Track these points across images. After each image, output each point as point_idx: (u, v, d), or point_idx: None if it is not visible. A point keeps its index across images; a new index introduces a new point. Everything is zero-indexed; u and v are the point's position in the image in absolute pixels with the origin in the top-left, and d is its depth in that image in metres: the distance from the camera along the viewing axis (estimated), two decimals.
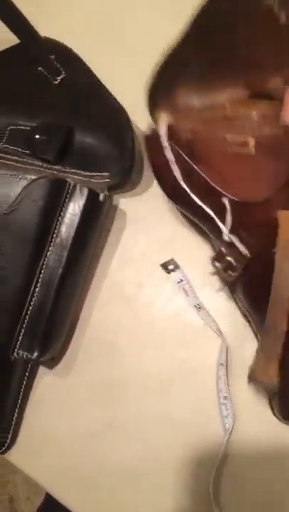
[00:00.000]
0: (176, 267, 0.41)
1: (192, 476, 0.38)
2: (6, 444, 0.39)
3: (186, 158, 0.36)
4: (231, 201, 0.35)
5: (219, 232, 0.36)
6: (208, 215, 0.36)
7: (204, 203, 0.36)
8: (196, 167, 0.36)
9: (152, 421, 0.39)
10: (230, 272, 0.36)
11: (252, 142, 0.38)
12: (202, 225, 0.38)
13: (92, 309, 0.41)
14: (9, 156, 0.41)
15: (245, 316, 0.39)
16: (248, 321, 0.39)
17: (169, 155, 0.37)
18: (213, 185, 0.36)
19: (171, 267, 0.41)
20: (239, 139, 0.38)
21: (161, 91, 0.37)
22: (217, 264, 0.37)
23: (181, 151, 0.37)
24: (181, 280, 0.41)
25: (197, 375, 0.39)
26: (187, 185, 0.37)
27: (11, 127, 0.42)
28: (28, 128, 0.41)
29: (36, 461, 0.40)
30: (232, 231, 0.36)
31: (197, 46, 0.36)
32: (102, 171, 0.41)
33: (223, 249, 0.36)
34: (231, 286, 0.39)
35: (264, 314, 0.33)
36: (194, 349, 0.40)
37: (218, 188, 0.36)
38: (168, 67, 0.36)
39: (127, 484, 0.38)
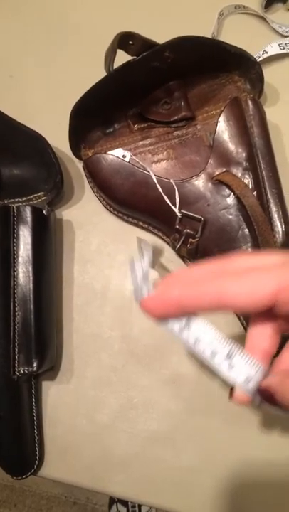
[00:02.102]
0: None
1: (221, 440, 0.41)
2: (36, 462, 0.41)
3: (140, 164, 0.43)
4: (176, 184, 0.42)
5: (170, 220, 0.42)
6: (159, 211, 0.42)
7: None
8: (146, 168, 0.43)
9: (163, 387, 0.42)
10: (191, 240, 0.41)
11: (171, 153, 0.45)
12: (151, 222, 0.44)
13: (71, 312, 0.45)
14: None
15: None
16: None
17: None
18: (159, 176, 0.42)
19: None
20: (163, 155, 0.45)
21: (77, 135, 0.45)
22: (177, 242, 0.42)
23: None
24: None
25: None
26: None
27: None
28: None
29: (70, 468, 0.42)
30: (180, 209, 0.41)
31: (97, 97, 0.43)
32: (37, 191, 0.45)
33: (177, 227, 0.42)
34: (192, 254, 0.43)
35: None
36: None
37: (163, 178, 0.42)
38: (78, 116, 0.43)
39: (161, 453, 0.41)
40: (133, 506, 1.02)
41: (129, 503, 1.02)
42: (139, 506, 1.03)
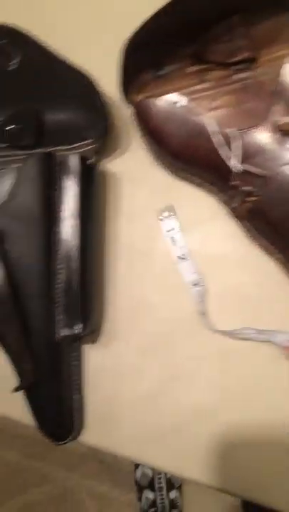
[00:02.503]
0: (171, 214, 0.41)
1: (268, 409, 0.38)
2: (76, 428, 0.39)
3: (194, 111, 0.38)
4: (235, 134, 0.37)
5: (226, 176, 0.37)
6: (215, 164, 0.38)
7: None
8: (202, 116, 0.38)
9: (210, 359, 0.39)
10: (248, 198, 0.37)
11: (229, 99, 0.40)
12: (205, 177, 0.40)
13: (115, 273, 0.42)
14: None
15: (263, 246, 0.40)
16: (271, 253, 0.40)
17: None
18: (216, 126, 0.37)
19: (165, 213, 0.41)
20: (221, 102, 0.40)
21: (127, 75, 0.40)
22: (233, 201, 0.38)
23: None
24: (172, 228, 0.41)
25: (236, 296, 0.40)
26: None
27: None
28: None
29: (109, 436, 0.40)
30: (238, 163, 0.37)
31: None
32: (82, 139, 0.41)
33: (234, 183, 0.37)
34: (249, 214, 0.39)
35: None
36: (228, 276, 0.40)
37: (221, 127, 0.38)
38: (131, 53, 0.39)
39: (205, 426, 0.39)
40: None
41: None
42: None
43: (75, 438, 0.40)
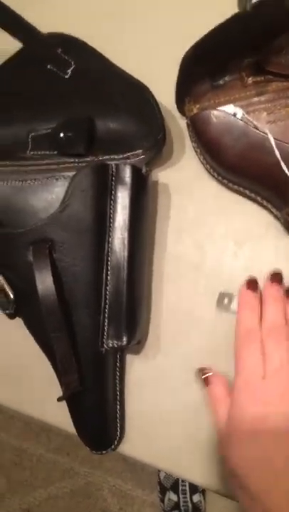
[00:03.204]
0: (231, 299, 0.40)
1: None
2: (117, 438, 0.39)
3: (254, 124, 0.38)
4: None
5: (285, 191, 0.37)
6: (274, 179, 0.37)
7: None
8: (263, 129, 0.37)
9: None
10: None
11: None
12: (261, 192, 0.39)
13: (162, 285, 0.41)
14: (40, 162, 0.41)
15: None
16: None
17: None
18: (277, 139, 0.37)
19: (226, 300, 0.40)
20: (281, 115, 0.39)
21: (184, 86, 0.40)
22: None
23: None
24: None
25: None
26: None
27: (32, 134, 0.42)
28: (49, 130, 0.41)
29: (149, 447, 0.40)
30: None
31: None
32: (134, 149, 0.41)
33: None
34: None
35: None
36: None
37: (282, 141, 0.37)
38: (190, 63, 0.38)
39: None
40: None
41: None
42: None
43: (115, 448, 0.40)
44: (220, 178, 0.41)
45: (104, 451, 0.39)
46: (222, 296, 0.40)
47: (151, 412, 0.40)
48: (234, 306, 0.39)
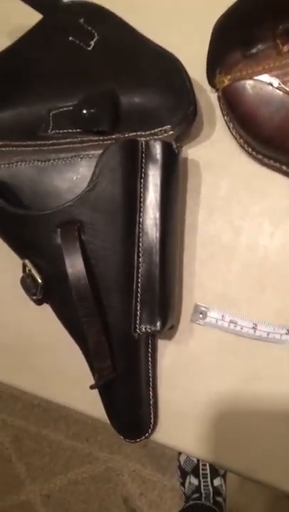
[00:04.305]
0: (205, 311, 0.38)
1: None
2: (151, 426, 0.38)
3: None
4: None
5: None
6: None
7: None
8: None
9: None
10: None
11: None
12: None
13: (194, 267, 0.39)
14: (63, 141, 0.39)
15: None
16: None
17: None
18: None
19: (200, 315, 0.38)
20: None
21: (214, 56, 0.38)
22: None
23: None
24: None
25: None
26: None
27: (53, 112, 0.40)
28: (71, 107, 0.39)
29: (183, 434, 0.38)
30: None
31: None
32: (163, 124, 0.38)
33: None
34: None
35: None
36: None
37: None
38: (221, 32, 0.37)
39: (285, 431, 0.36)
40: None
41: None
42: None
43: (148, 436, 0.38)
44: (254, 153, 0.38)
45: (138, 440, 0.38)
46: (197, 308, 0.38)
47: (184, 398, 0.38)
48: (209, 319, 0.38)
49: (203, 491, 1.00)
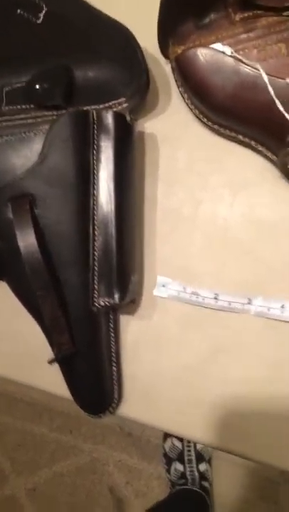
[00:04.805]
0: (167, 283, 0.38)
1: None
2: (115, 401, 0.37)
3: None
4: None
5: (281, 132, 0.34)
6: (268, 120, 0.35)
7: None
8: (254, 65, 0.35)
9: (261, 331, 0.37)
10: None
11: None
12: (255, 135, 0.37)
13: (155, 241, 0.39)
14: (16, 117, 0.39)
15: None
16: None
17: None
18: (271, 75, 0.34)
19: (162, 286, 0.38)
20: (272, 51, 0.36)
21: (166, 27, 0.37)
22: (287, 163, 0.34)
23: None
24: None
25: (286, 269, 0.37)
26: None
27: (6, 89, 0.40)
28: (24, 82, 0.39)
29: (148, 408, 0.38)
30: None
31: None
32: (117, 97, 0.38)
33: None
34: None
35: None
36: (277, 245, 0.37)
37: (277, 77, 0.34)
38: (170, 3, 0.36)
39: (251, 406, 0.36)
40: (188, 441, 1.02)
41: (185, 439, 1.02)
42: (195, 442, 1.02)
43: (112, 411, 0.38)
44: (210, 123, 0.38)
45: (101, 415, 0.37)
46: (159, 281, 0.38)
47: (149, 373, 0.38)
48: (170, 292, 0.37)
49: (189, 477, 1.00)
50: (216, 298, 0.37)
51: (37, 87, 0.38)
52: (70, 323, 0.35)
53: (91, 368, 0.37)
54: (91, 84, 0.39)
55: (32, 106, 0.38)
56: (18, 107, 0.39)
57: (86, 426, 1.09)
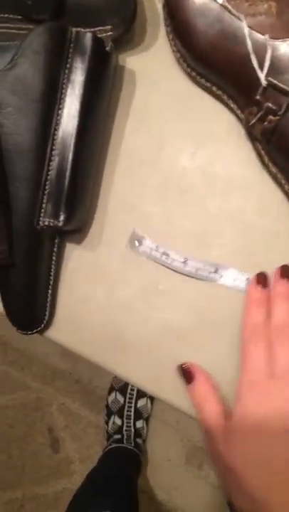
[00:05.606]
0: (141, 239, 0.39)
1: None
2: (45, 321, 0.38)
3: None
4: (270, 42, 0.33)
5: (251, 89, 0.34)
6: (241, 74, 0.34)
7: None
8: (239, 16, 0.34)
9: (196, 282, 0.38)
10: (270, 117, 0.34)
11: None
12: (227, 88, 0.37)
13: (113, 177, 0.39)
14: (1, 25, 0.38)
15: (273, 174, 0.37)
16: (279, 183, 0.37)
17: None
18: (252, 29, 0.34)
19: (136, 242, 0.39)
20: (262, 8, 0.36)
21: None
22: (253, 117, 0.35)
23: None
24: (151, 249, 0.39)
25: (234, 222, 0.38)
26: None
27: None
28: None
29: (77, 336, 0.39)
30: (267, 76, 0.33)
31: None
32: (104, 24, 0.38)
33: (258, 97, 0.34)
34: (266, 135, 0.36)
35: None
36: (229, 199, 0.38)
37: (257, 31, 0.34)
38: None
39: (171, 347, 0.38)
40: (130, 398, 1.05)
41: (128, 394, 1.05)
42: (136, 398, 1.06)
43: (41, 331, 0.39)
44: (189, 69, 0.38)
45: (29, 332, 0.38)
46: (133, 236, 0.39)
47: (82, 302, 0.39)
48: (143, 248, 0.38)
49: (124, 433, 1.04)
50: (184, 262, 0.38)
51: None
52: (12, 236, 0.35)
53: (26, 286, 0.37)
54: (81, 7, 0.38)
55: (19, 17, 0.38)
56: (6, 15, 0.38)
57: (38, 366, 1.12)
